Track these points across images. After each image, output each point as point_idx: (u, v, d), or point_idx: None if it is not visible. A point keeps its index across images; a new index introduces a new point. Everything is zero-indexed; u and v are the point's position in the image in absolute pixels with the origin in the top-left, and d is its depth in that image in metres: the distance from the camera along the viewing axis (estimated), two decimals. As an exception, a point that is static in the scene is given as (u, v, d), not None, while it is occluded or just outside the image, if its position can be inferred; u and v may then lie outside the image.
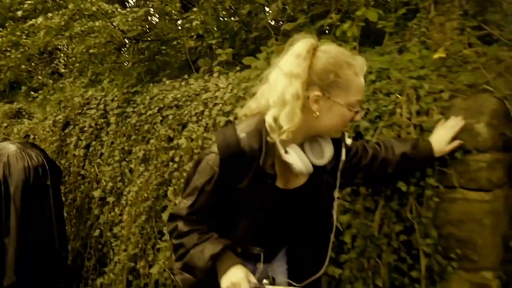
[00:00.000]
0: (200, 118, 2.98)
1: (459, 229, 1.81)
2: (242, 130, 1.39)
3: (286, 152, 1.38)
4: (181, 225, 1.43)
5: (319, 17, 3.29)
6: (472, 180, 1.79)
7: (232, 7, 3.98)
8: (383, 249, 1.94)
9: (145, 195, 3.17)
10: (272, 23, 3.88)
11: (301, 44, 1.34)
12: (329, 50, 1.34)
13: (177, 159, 3.03)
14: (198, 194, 1.42)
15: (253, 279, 1.34)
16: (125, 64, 4.51)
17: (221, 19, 4.02)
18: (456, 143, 1.79)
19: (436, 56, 2.20)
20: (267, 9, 4.05)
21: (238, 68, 3.17)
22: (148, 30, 4.62)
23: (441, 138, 1.81)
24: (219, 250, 1.37)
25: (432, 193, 1.84)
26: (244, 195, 1.40)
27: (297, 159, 1.37)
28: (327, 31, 3.10)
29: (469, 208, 1.79)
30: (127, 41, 4.59)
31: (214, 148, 1.41)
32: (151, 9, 5.03)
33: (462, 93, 1.96)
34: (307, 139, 1.44)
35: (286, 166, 1.39)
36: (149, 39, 4.51)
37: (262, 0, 3.70)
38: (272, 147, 1.37)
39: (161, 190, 3.13)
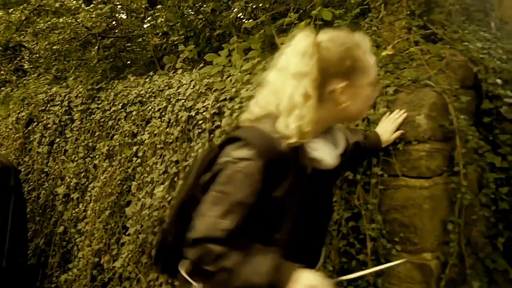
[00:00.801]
0: (163, 113, 3.04)
1: (402, 214, 1.93)
2: (271, 131, 1.25)
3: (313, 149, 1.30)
4: (217, 248, 1.17)
5: (280, 15, 3.40)
6: (413, 168, 1.92)
7: (196, 5, 4.04)
8: (333, 235, 2.05)
9: (109, 190, 3.21)
10: (236, 21, 3.96)
11: (303, 41, 1.27)
12: (334, 38, 1.30)
13: (140, 154, 3.08)
14: (242, 211, 1.19)
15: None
16: (90, 60, 4.49)
17: (185, 16, 4.07)
18: (398, 133, 1.92)
19: (384, 53, 2.33)
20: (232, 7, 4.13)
21: (202, 65, 3.23)
22: (113, 27, 4.63)
23: (386, 129, 1.93)
24: (278, 260, 1.18)
25: (377, 181, 1.96)
26: (282, 201, 1.25)
27: (326, 154, 1.32)
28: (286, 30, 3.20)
29: (410, 195, 1.92)
30: (92, 38, 4.57)
31: (245, 153, 1.21)
32: (117, 6, 5.03)
33: (406, 88, 2.10)
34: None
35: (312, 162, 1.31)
36: (114, 35, 4.52)
37: (225, -2, 3.79)
38: (301, 146, 1.28)
39: (125, 185, 3.17)
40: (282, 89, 1.27)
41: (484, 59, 2.39)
